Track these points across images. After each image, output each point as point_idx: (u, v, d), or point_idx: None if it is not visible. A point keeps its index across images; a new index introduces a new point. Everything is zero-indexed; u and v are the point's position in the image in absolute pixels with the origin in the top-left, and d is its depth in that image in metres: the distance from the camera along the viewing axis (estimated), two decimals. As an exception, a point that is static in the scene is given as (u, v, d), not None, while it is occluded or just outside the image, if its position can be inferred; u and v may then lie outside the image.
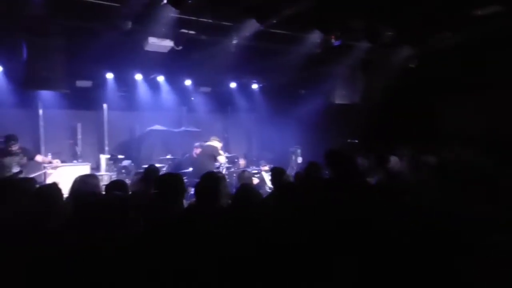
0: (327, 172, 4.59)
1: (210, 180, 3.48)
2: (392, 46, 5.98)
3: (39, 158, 6.72)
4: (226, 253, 2.49)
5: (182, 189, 3.59)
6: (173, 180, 3.53)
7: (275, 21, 5.06)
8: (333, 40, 6.09)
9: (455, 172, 3.68)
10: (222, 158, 7.52)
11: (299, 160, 9.58)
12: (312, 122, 8.85)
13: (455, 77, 6.43)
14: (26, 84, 5.43)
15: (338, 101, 7.95)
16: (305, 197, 3.44)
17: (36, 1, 4.71)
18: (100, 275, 1.99)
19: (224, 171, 7.54)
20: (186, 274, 2.28)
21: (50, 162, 6.81)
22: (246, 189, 3.79)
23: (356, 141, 8.29)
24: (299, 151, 9.56)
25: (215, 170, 7.03)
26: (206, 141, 7.59)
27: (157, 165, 7.67)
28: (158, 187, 3.47)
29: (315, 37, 6.18)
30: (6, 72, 6.99)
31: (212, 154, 7.27)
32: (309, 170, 4.50)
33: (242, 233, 2.72)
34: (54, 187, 2.72)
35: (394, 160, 5.27)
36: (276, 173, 4.39)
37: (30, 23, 5.03)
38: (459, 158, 5.07)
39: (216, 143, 7.44)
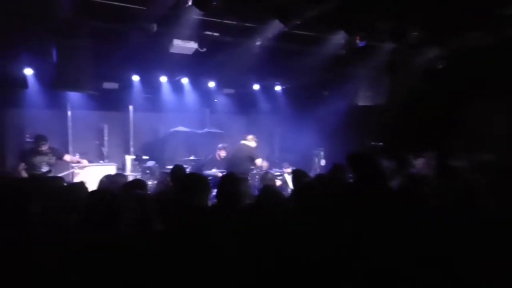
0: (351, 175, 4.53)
1: (231, 181, 3.48)
2: (418, 47, 5.83)
3: (67, 157, 6.92)
4: (244, 253, 2.48)
5: (205, 188, 3.61)
6: (197, 179, 3.56)
7: (298, 22, 5.03)
8: (357, 41, 6.01)
9: (483, 174, 3.57)
10: (259, 161, 7.14)
11: (322, 162, 9.48)
12: (336, 124, 8.74)
13: (484, 79, 6.22)
14: (56, 85, 5.59)
15: (361, 102, 7.83)
16: (324, 199, 3.40)
17: (65, 3, 4.85)
18: (108, 273, 2.01)
19: (246, 173, 7.52)
20: (200, 275, 2.28)
21: (78, 162, 7.00)
22: (269, 190, 3.78)
23: (380, 143, 8.14)
24: (322, 153, 9.47)
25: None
26: (244, 139, 7.25)
27: (180, 166, 7.79)
28: (182, 185, 3.50)
29: (339, 38, 6.11)
30: (37, 74, 7.20)
31: (250, 156, 6.97)
32: (333, 172, 4.43)
33: (260, 234, 2.72)
34: (81, 185, 2.78)
35: (421, 163, 5.15)
36: (298, 175, 4.35)
37: (60, 25, 5.19)
38: (487, 161, 4.90)
39: (252, 143, 7.14)
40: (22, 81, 5.36)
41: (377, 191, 3.43)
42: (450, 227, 2.68)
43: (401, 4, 4.52)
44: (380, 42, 6.11)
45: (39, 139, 6.37)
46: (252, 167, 7.21)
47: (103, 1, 4.81)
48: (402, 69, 6.91)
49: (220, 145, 8.16)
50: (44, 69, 6.66)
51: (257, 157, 7.04)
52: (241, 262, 2.44)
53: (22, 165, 6.33)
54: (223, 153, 8.06)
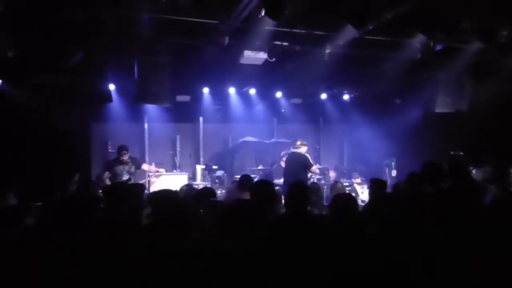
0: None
1: (299, 190, 3.42)
2: (510, 46, 5.31)
3: (144, 166, 7.33)
4: (319, 264, 2.40)
5: (274, 195, 3.59)
6: (267, 187, 3.57)
7: (372, 27, 4.85)
8: (435, 44, 5.66)
9: None
10: (314, 168, 6.82)
11: (394, 173, 9.06)
12: (408, 133, 8.31)
13: None
14: (138, 99, 5.97)
15: (439, 109, 7.33)
16: (406, 210, 3.21)
17: (144, 23, 5.18)
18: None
19: (315, 183, 7.38)
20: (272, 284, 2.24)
21: (157, 171, 7.37)
22: (345, 200, 3.62)
23: (462, 153, 7.55)
24: (393, 163, 9.05)
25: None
26: (294, 147, 6.99)
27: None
28: (254, 193, 3.53)
29: (415, 42, 5.81)
30: (118, 89, 7.76)
31: (302, 164, 6.62)
32: (410, 182, 4.15)
33: (336, 245, 2.62)
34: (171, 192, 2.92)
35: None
36: (377, 185, 4.15)
37: (141, 43, 5.55)
38: None
39: (302, 149, 6.82)
40: (108, 96, 5.78)
41: (464, 204, 3.16)
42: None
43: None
44: (462, 43, 5.68)
45: (121, 149, 6.83)
46: (309, 175, 6.94)
47: (179, 18, 5.06)
48: (490, 72, 6.35)
49: (283, 153, 8.13)
50: (124, 84, 7.17)
51: (310, 165, 6.68)
52: (315, 273, 2.36)
53: (106, 174, 6.82)
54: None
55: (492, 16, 4.62)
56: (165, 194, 2.90)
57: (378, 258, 2.46)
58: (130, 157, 6.94)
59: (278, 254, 2.51)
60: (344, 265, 2.45)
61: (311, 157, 6.97)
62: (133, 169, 6.94)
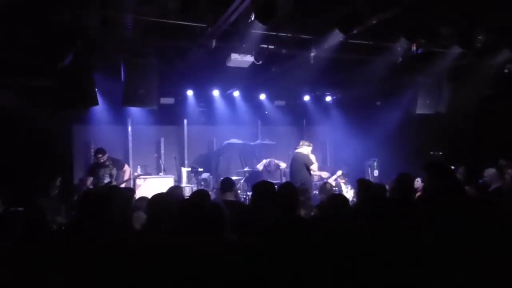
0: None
1: (288, 190, 3.50)
2: (487, 51, 5.55)
3: (126, 168, 7.04)
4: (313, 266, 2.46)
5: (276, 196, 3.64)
6: (267, 187, 3.63)
7: (357, 32, 4.96)
8: (414, 48, 5.85)
9: None
10: (315, 167, 6.86)
11: (376, 173, 9.26)
12: (390, 134, 8.54)
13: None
14: (125, 102, 5.90)
15: (419, 111, 7.57)
16: (399, 209, 3.31)
17: (132, 25, 5.14)
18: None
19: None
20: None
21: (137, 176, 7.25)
22: (336, 200, 3.71)
23: (440, 153, 7.82)
24: (375, 163, 9.26)
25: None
26: (297, 148, 7.07)
27: (235, 177, 7.91)
28: (254, 194, 3.58)
29: (396, 46, 5.99)
30: (100, 91, 7.60)
31: (303, 163, 6.70)
32: (400, 182, 4.27)
33: (329, 245, 2.68)
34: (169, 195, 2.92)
35: (490, 173, 4.86)
36: (363, 185, 4.25)
37: (127, 45, 5.50)
38: None
39: (305, 149, 6.88)
40: (94, 99, 5.69)
41: (456, 202, 3.29)
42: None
43: (468, 6, 4.33)
44: (441, 48, 5.89)
45: (96, 152, 6.69)
46: (311, 175, 6.97)
47: (166, 21, 5.05)
48: (468, 75, 6.60)
49: (268, 160, 8.22)
50: (107, 86, 7.06)
51: (311, 164, 6.74)
52: (309, 273, 2.41)
53: (90, 179, 6.67)
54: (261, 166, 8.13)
55: (469, 22, 4.82)
56: (165, 198, 2.91)
57: (374, 258, 2.52)
58: (110, 159, 6.77)
59: (273, 255, 2.55)
60: (340, 265, 2.49)
61: (315, 157, 6.99)
62: (114, 171, 6.75)
